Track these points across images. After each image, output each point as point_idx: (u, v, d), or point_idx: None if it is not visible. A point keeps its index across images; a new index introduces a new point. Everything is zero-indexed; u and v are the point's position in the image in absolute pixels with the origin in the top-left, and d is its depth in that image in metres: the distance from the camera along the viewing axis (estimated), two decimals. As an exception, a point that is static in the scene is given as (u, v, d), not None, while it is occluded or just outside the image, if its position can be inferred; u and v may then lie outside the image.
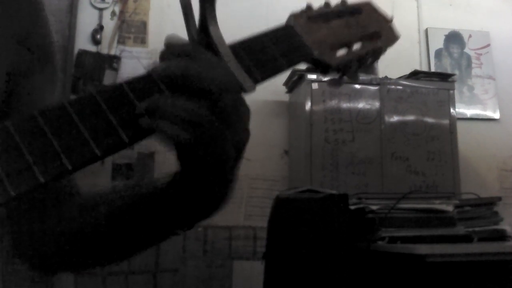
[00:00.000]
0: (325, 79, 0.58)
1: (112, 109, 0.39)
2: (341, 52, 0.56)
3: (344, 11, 0.58)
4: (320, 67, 0.55)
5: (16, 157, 0.36)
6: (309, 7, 0.55)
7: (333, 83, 0.59)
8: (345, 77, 0.59)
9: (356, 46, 0.58)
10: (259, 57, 0.48)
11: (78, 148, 0.38)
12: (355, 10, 0.59)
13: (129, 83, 0.41)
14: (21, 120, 0.37)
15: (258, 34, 0.50)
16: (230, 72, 0.44)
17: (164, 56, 0.43)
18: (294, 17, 0.53)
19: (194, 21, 0.46)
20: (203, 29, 0.46)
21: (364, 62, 0.59)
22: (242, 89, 0.45)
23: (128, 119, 0.40)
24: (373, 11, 0.62)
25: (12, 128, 0.37)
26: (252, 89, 0.46)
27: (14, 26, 0.59)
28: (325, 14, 0.56)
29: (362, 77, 2.78)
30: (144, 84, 0.41)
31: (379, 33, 0.60)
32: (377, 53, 0.60)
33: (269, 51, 0.49)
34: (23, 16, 0.60)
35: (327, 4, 0.57)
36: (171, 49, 0.43)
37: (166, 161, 2.92)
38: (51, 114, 0.38)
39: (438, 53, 3.37)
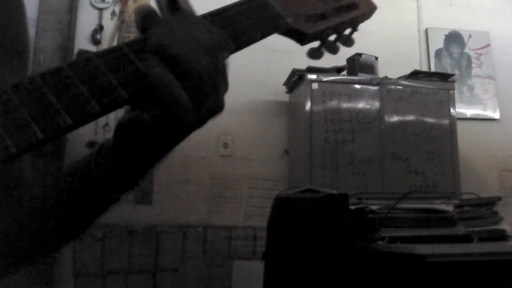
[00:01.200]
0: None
1: (83, 81, 0.40)
2: (318, 23, 0.56)
3: None
4: (296, 36, 0.54)
5: (15, 116, 0.37)
6: None
7: (312, 53, 0.59)
8: (323, 48, 0.59)
9: (333, 18, 0.58)
10: (232, 28, 0.48)
11: (46, 119, 0.38)
12: None
13: (99, 55, 0.41)
14: (21, 81, 0.38)
15: (229, 5, 0.49)
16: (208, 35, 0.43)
17: (139, 26, 0.43)
18: None
19: None
20: (173, 4, 0.46)
21: (341, 32, 0.59)
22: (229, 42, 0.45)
23: (100, 89, 0.40)
24: None
25: (9, 88, 0.37)
26: (231, 49, 0.46)
27: None
28: None
29: (362, 76, 2.78)
30: (115, 56, 0.42)
31: (355, 4, 0.60)
32: (354, 23, 0.60)
33: (241, 22, 0.49)
34: None
35: None
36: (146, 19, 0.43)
37: (166, 161, 2.92)
38: (48, 78, 0.39)
39: (438, 53, 3.37)
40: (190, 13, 0.46)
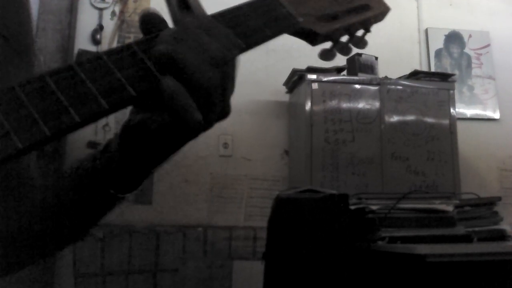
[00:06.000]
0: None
1: (92, 79, 0.40)
2: (329, 24, 0.56)
3: None
4: (307, 37, 0.54)
5: (23, 113, 0.37)
6: None
7: (324, 54, 0.59)
8: (335, 50, 0.58)
9: (345, 19, 0.57)
10: (241, 27, 0.47)
11: (57, 115, 0.38)
12: None
13: (109, 54, 0.41)
14: (28, 80, 0.38)
15: (239, 5, 0.49)
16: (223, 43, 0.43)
17: (144, 31, 0.43)
18: None
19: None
20: (184, 4, 0.46)
21: (353, 32, 0.59)
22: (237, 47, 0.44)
23: (108, 87, 0.40)
24: None
25: (18, 87, 0.37)
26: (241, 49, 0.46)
27: None
28: None
29: (362, 76, 2.78)
30: (125, 56, 0.42)
31: (368, 5, 0.60)
32: (366, 24, 0.59)
33: (252, 22, 0.48)
34: None
35: None
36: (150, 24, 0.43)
37: (166, 161, 2.92)
38: (58, 76, 0.39)
39: (438, 53, 3.37)
40: (199, 15, 0.45)
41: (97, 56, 0.41)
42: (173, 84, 0.39)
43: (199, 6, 0.46)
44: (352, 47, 0.60)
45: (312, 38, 0.54)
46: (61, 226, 0.56)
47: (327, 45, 0.59)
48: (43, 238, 0.56)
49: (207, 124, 0.42)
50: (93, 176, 0.51)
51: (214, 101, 0.41)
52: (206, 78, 0.40)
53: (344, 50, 0.59)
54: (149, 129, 0.42)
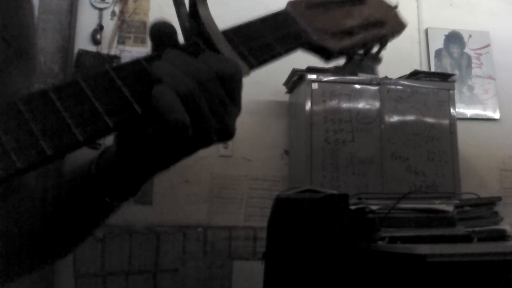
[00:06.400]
0: (329, 67, 0.56)
1: (97, 96, 0.39)
2: (344, 40, 0.55)
3: (346, 1, 0.56)
4: (321, 53, 0.53)
5: (24, 133, 0.36)
6: None
7: (337, 71, 0.57)
8: (349, 65, 0.57)
9: (359, 35, 0.56)
10: (253, 43, 0.47)
11: (59, 134, 0.37)
12: (357, 0, 0.58)
13: (116, 69, 0.41)
14: (30, 95, 0.37)
15: (252, 20, 0.48)
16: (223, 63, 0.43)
17: (155, 44, 0.43)
18: (292, 3, 0.52)
19: (185, 8, 0.45)
20: (194, 16, 0.45)
21: (369, 49, 0.57)
22: (238, 72, 0.44)
23: (116, 104, 0.39)
24: (376, 0, 0.60)
25: (21, 103, 0.36)
26: (246, 73, 0.45)
27: None
28: (325, 3, 0.54)
29: (362, 76, 2.78)
30: (133, 71, 0.41)
31: (383, 21, 0.59)
32: (383, 40, 0.58)
33: (264, 37, 0.48)
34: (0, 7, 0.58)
35: None
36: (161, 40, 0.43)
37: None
38: (64, 91, 0.38)
39: (438, 53, 3.37)
40: (208, 27, 0.44)
41: (104, 72, 0.40)
42: (161, 88, 0.39)
43: (209, 18, 0.45)
44: (366, 63, 0.59)
45: (326, 55, 0.53)
46: (59, 230, 0.55)
47: (342, 60, 0.58)
48: (42, 242, 0.56)
49: (203, 138, 0.42)
50: (87, 183, 0.51)
51: (211, 123, 0.42)
52: (204, 99, 0.41)
53: (359, 67, 0.57)
54: (143, 134, 0.42)
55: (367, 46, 0.56)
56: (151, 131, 0.41)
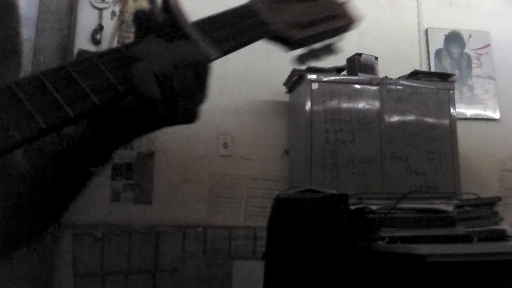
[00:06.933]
0: (292, 54, 0.62)
1: (83, 79, 0.43)
2: (303, 31, 0.60)
3: None
4: (283, 42, 0.58)
5: (20, 111, 0.40)
6: None
7: (298, 61, 0.64)
8: (309, 55, 0.63)
9: (318, 27, 0.62)
10: (220, 32, 0.52)
11: (53, 110, 0.41)
12: None
13: (99, 55, 0.45)
14: (24, 79, 0.41)
15: (219, 13, 0.54)
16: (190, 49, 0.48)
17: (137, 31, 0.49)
18: None
19: (156, 4, 0.50)
20: (166, 8, 0.50)
21: (326, 39, 0.63)
22: (206, 57, 0.48)
23: (101, 86, 0.44)
24: None
25: (15, 86, 0.40)
26: (216, 56, 0.50)
27: None
28: None
29: (362, 76, 2.78)
30: (115, 57, 0.46)
31: (337, 15, 0.65)
32: (338, 32, 0.64)
33: (230, 27, 0.53)
34: None
35: None
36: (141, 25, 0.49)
37: (165, 161, 2.92)
38: (53, 75, 0.42)
39: (438, 53, 3.37)
40: (179, 19, 0.50)
41: (89, 59, 0.45)
42: (139, 64, 0.44)
43: (179, 11, 0.50)
44: (325, 53, 0.65)
45: (287, 44, 0.58)
46: (45, 203, 0.59)
47: (301, 51, 0.63)
48: (29, 216, 0.59)
49: (169, 116, 0.46)
50: (62, 153, 0.54)
51: (179, 99, 0.46)
52: (177, 78, 0.45)
53: (317, 56, 0.64)
54: (116, 106, 0.46)
55: (324, 37, 0.63)
56: (124, 102, 0.45)
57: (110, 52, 0.46)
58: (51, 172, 0.56)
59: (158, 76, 0.44)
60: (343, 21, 0.65)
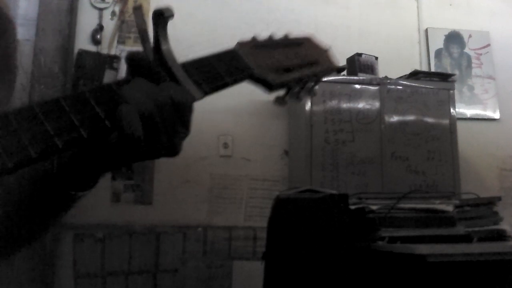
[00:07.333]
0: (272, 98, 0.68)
1: (74, 112, 0.47)
2: (283, 75, 0.64)
3: (285, 44, 0.68)
4: (263, 85, 0.62)
5: (13, 140, 0.43)
6: (254, 38, 0.65)
7: (277, 101, 0.68)
8: (288, 96, 0.67)
9: (296, 72, 0.66)
10: (206, 74, 0.55)
11: (40, 141, 0.44)
12: (295, 43, 0.70)
13: (91, 91, 0.49)
14: (19, 109, 0.45)
15: (206, 56, 0.57)
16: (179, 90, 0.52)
17: (129, 68, 0.52)
18: (240, 44, 0.62)
19: (150, 43, 0.54)
20: (157, 50, 0.53)
21: (304, 83, 0.67)
22: (190, 99, 0.52)
23: (90, 119, 0.47)
24: (312, 44, 0.72)
25: (12, 114, 0.44)
26: (200, 97, 0.53)
27: None
28: (268, 45, 0.66)
29: (362, 76, 2.78)
30: (105, 94, 0.49)
31: (317, 61, 0.70)
32: (316, 77, 0.69)
33: (215, 70, 0.57)
34: None
35: (270, 37, 0.67)
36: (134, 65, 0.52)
37: (166, 161, 2.92)
38: (46, 106, 0.46)
39: (438, 53, 3.37)
40: (169, 62, 0.53)
41: (82, 93, 0.48)
42: (126, 106, 0.47)
43: (169, 52, 0.53)
44: (303, 95, 0.69)
45: (267, 87, 0.62)
46: (31, 219, 0.63)
47: (282, 92, 0.68)
48: (17, 230, 0.62)
49: (153, 151, 0.50)
50: (48, 179, 0.58)
51: (158, 129, 0.49)
52: (159, 117, 0.49)
53: (296, 97, 0.68)
54: (104, 140, 0.50)
55: (303, 81, 0.67)
56: (111, 138, 0.49)
57: (102, 88, 0.49)
58: (35, 194, 0.60)
59: (142, 116, 0.47)
60: (324, 67, 0.70)
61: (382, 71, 2.87)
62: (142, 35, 0.53)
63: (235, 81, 0.58)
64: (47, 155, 0.44)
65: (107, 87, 0.50)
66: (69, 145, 0.45)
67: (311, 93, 0.69)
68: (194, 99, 0.52)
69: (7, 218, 0.61)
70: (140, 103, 0.48)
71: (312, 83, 0.69)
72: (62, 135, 0.45)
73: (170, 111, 0.49)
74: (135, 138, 0.47)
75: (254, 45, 0.64)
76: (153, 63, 0.53)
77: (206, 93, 0.55)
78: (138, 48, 0.53)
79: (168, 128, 0.50)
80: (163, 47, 0.53)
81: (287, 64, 0.65)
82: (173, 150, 0.52)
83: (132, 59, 0.53)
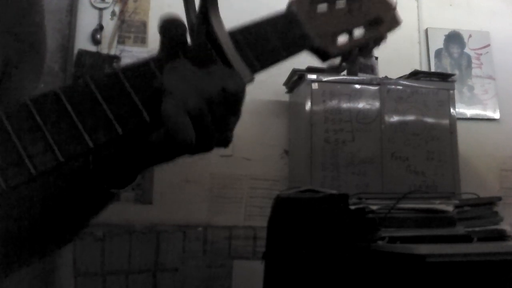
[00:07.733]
0: (324, 65, 0.57)
1: (108, 101, 0.39)
2: (342, 38, 0.55)
3: None
4: (320, 55, 0.54)
5: (10, 149, 0.35)
6: None
7: (331, 70, 0.60)
8: (344, 64, 0.58)
9: (358, 32, 0.56)
10: (259, 48, 0.47)
11: (71, 140, 0.37)
12: None
13: (125, 70, 0.41)
14: (14, 109, 0.37)
15: (260, 21, 0.48)
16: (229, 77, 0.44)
17: (163, 44, 0.44)
18: (296, 3, 0.51)
19: (194, 5, 0.45)
20: (203, 15, 0.44)
21: (365, 50, 0.58)
22: (243, 84, 0.45)
23: (126, 111, 0.39)
24: None
25: (4, 116, 0.36)
26: (251, 80, 0.46)
27: (1, 14, 0.57)
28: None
29: (362, 76, 2.78)
30: (142, 75, 0.41)
31: (382, 19, 0.59)
32: (378, 40, 0.59)
33: (271, 41, 0.48)
34: (11, 4, 0.58)
35: None
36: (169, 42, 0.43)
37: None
38: (74, 94, 0.38)
39: (438, 53, 3.37)
40: (216, 32, 0.44)
41: (114, 74, 0.40)
42: (172, 104, 0.40)
43: (219, 22, 0.45)
44: (360, 59, 0.60)
45: (324, 57, 0.54)
46: (61, 219, 0.57)
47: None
48: (42, 234, 0.57)
49: (204, 148, 0.45)
50: (84, 175, 0.52)
51: (208, 125, 0.43)
52: (208, 112, 0.42)
53: (352, 64, 0.58)
54: (146, 140, 0.44)
55: (364, 47, 0.57)
56: (154, 139, 0.43)
57: (137, 66, 0.41)
58: (70, 192, 0.54)
59: (192, 114, 0.41)
60: (388, 26, 0.59)
61: (382, 71, 2.87)
62: None
63: (292, 54, 0.49)
64: (75, 157, 0.37)
65: (144, 66, 0.41)
66: (103, 144, 0.38)
67: (369, 57, 0.60)
68: (247, 83, 0.45)
69: (35, 220, 0.55)
70: (187, 98, 0.41)
71: (372, 46, 0.58)
72: (96, 132, 0.38)
73: (222, 103, 0.43)
74: (186, 143, 0.40)
75: (311, 1, 0.53)
76: (198, 36, 0.44)
77: (257, 71, 0.47)
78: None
79: (220, 124, 0.44)
80: (212, 13, 0.43)
81: (350, 24, 0.55)
82: (225, 142, 0.47)
83: (169, 28, 0.43)
